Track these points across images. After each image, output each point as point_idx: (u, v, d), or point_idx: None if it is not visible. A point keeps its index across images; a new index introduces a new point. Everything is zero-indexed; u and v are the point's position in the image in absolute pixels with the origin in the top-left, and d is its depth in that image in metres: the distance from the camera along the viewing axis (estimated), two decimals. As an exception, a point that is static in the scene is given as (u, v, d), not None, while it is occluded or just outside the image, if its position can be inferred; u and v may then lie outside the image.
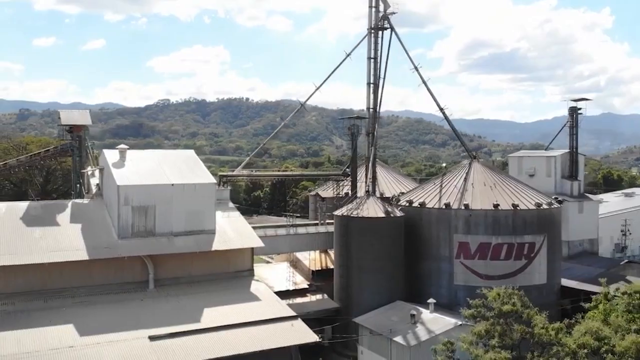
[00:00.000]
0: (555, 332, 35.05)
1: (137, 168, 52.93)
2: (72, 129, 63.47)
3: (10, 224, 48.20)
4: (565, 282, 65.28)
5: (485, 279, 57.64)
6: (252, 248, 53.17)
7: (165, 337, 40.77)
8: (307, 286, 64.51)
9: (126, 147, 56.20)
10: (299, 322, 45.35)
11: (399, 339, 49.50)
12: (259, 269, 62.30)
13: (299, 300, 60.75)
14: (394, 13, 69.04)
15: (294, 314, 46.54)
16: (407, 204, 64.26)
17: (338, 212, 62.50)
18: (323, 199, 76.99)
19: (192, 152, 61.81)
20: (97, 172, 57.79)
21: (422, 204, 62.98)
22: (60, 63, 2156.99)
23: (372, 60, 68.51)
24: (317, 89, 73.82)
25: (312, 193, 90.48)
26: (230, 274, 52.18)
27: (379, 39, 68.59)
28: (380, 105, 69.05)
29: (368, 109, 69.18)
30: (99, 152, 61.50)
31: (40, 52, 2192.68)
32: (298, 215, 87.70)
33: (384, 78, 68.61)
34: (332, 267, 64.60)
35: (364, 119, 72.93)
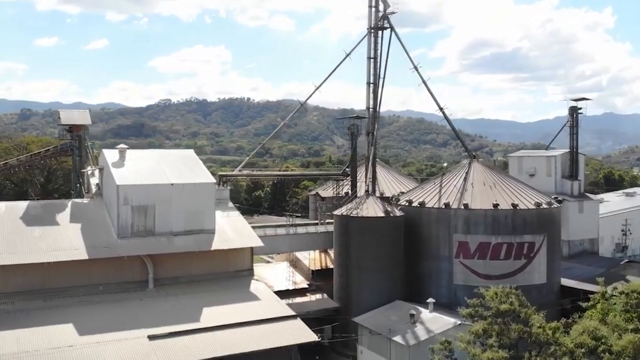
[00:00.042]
0: (552, 331, 35.04)
1: (136, 168, 53.03)
2: (72, 128, 63.61)
3: (10, 224, 48.34)
4: (565, 281, 65.26)
5: (484, 279, 57.61)
6: (252, 248, 53.24)
7: (165, 337, 40.82)
8: (306, 286, 64.54)
9: (126, 146, 56.29)
10: (299, 322, 45.37)
11: (398, 338, 49.53)
12: (259, 269, 62.38)
13: (298, 299, 60.79)
14: (394, 13, 69.17)
15: (293, 313, 46.57)
16: (407, 204, 64.30)
17: (338, 212, 62.56)
18: (323, 198, 77.11)
19: (191, 151, 61.91)
20: (96, 172, 57.92)
21: (422, 204, 63.01)
22: (62, 63, 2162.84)
23: (372, 60, 68.54)
24: (317, 88, 73.96)
25: (312, 193, 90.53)
26: (230, 273, 52.24)
27: (379, 39, 68.65)
28: (380, 105, 69.20)
29: (368, 108, 69.21)
30: (99, 152, 61.65)
31: (42, 52, 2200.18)
32: (299, 215, 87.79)
33: (384, 78, 68.80)
34: (331, 266, 64.65)
35: (363, 118, 72.97)
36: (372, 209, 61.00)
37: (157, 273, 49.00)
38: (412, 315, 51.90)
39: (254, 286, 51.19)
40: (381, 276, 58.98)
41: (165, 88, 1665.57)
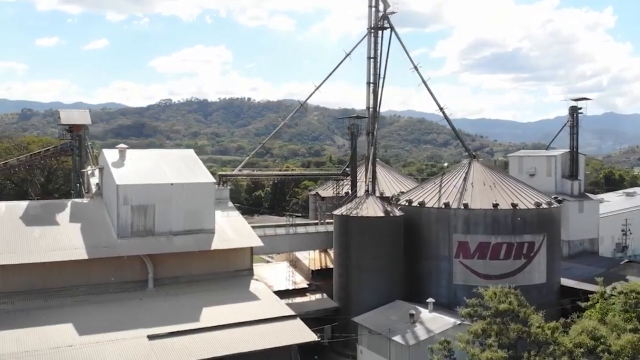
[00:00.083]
0: (551, 331, 35.04)
1: (136, 167, 53.03)
2: (72, 128, 63.68)
3: (10, 223, 48.33)
4: (565, 281, 65.27)
5: (484, 279, 57.61)
6: (252, 247, 53.22)
7: (164, 337, 40.76)
8: (306, 286, 64.54)
9: (125, 146, 56.30)
10: (298, 322, 45.36)
11: (398, 338, 49.53)
12: (259, 269, 62.40)
13: (298, 299, 60.81)
14: (394, 13, 69.21)
15: (293, 313, 46.54)
16: (407, 204, 64.31)
17: (337, 212, 62.59)
18: (323, 198, 77.14)
19: (191, 151, 61.90)
20: (96, 172, 57.94)
21: (422, 204, 63.02)
22: (62, 63, 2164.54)
23: (372, 60, 68.59)
24: (317, 88, 73.98)
25: (312, 193, 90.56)
26: (230, 273, 52.21)
27: (379, 39, 68.70)
28: (380, 105, 69.28)
29: (368, 108, 69.27)
30: (99, 152, 61.69)
31: (43, 52, 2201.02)
32: (299, 215, 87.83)
33: (384, 78, 68.87)
34: (331, 266, 64.66)
35: (364, 118, 72.99)
36: (372, 208, 61.02)
37: (156, 273, 48.99)
38: (411, 315, 51.91)
39: (254, 286, 51.18)
40: (381, 276, 58.99)
41: (166, 88, 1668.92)
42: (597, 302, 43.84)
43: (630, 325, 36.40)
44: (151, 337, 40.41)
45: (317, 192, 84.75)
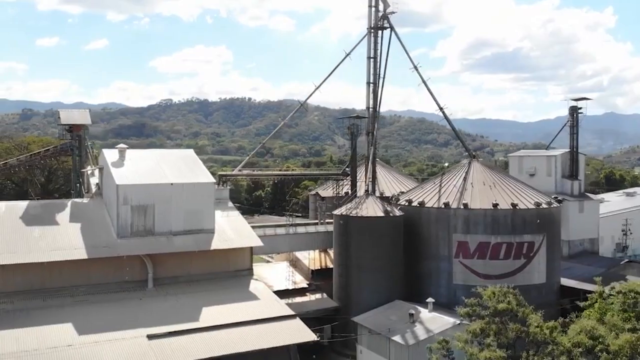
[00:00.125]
0: (549, 330, 35.06)
1: (136, 167, 53.06)
2: (72, 128, 63.73)
3: (10, 223, 48.36)
4: (565, 281, 65.26)
5: (484, 278, 57.61)
6: (251, 247, 53.25)
7: (164, 336, 40.83)
8: (306, 285, 64.56)
9: (125, 146, 56.33)
10: (298, 321, 45.39)
11: (397, 338, 49.56)
12: (259, 268, 62.43)
13: (298, 299, 60.85)
14: (394, 12, 69.27)
15: (292, 313, 46.59)
16: (407, 204, 64.33)
17: (337, 212, 62.61)
18: (323, 198, 77.15)
19: (191, 151, 61.93)
20: (96, 172, 57.98)
21: (422, 204, 63.04)
22: (63, 63, 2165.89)
23: (371, 60, 68.63)
24: (317, 88, 73.98)
25: (312, 193, 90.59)
26: (230, 273, 52.24)
27: (379, 39, 68.74)
28: (380, 105, 69.31)
29: (368, 108, 69.30)
30: (99, 152, 61.73)
31: (44, 52, 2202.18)
32: (299, 214, 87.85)
33: (384, 77, 68.92)
34: (331, 266, 64.70)
35: (363, 118, 73.02)
36: (372, 208, 61.05)
37: (156, 273, 49.02)
38: (411, 315, 51.94)
39: (254, 286, 51.22)
40: (381, 276, 59.01)
41: (166, 88, 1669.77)
42: (596, 301, 43.86)
43: (629, 325, 36.43)
44: (150, 337, 40.49)
45: (317, 192, 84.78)
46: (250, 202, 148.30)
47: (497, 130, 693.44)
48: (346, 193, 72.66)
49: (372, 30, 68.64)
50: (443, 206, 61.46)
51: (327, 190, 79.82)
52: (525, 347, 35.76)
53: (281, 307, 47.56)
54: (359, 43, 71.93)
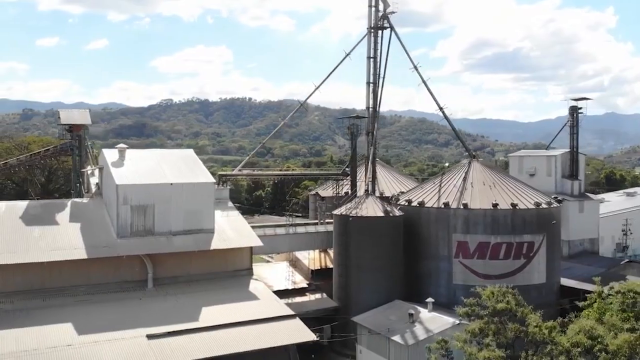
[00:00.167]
0: (548, 330, 35.07)
1: (136, 167, 53.08)
2: (72, 128, 63.78)
3: (10, 223, 48.38)
4: (565, 281, 65.26)
5: (484, 278, 57.60)
6: (251, 247, 53.25)
7: (163, 336, 40.78)
8: (306, 285, 64.56)
9: (125, 146, 56.35)
10: (297, 321, 45.39)
11: (397, 338, 49.57)
12: (259, 268, 62.43)
13: (298, 299, 60.85)
14: (394, 12, 69.23)
15: (292, 313, 46.58)
16: (406, 204, 64.34)
17: (337, 212, 62.63)
18: (323, 198, 77.16)
19: (191, 151, 61.92)
20: (96, 172, 58.01)
21: (421, 203, 63.05)
22: (63, 63, 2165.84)
23: (371, 60, 68.59)
24: (317, 88, 73.92)
25: (312, 192, 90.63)
26: (229, 273, 52.24)
27: (379, 39, 68.72)
28: (380, 105, 69.24)
29: (368, 108, 69.26)
30: (99, 152, 61.76)
31: (44, 52, 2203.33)
32: (299, 214, 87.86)
33: (384, 77, 68.85)
34: (331, 266, 64.72)
35: (363, 118, 73.01)
36: (372, 208, 61.06)
37: (156, 272, 49.02)
38: (411, 315, 51.95)
39: (253, 286, 51.23)
40: (380, 276, 59.02)
41: (167, 88, 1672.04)
42: (595, 301, 43.88)
43: (628, 325, 36.43)
44: (150, 337, 40.47)
45: (317, 192, 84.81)
46: (250, 202, 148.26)
47: (498, 130, 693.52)
48: (346, 193, 72.69)
49: (372, 30, 68.61)
50: (443, 206, 61.47)
51: (327, 190, 79.87)
52: (524, 347, 35.78)
53: (281, 307, 47.57)
54: (358, 43, 71.99)
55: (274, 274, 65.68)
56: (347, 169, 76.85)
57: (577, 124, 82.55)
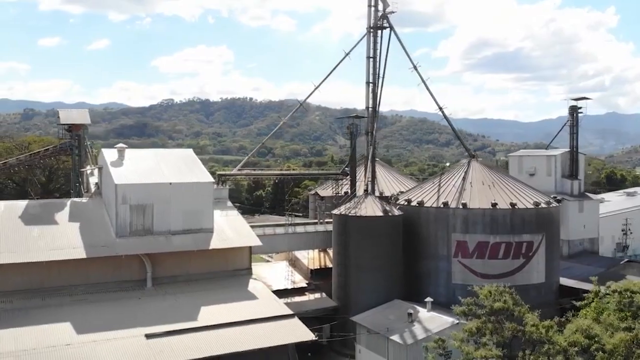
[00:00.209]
0: (545, 330, 35.06)
1: (135, 167, 53.18)
2: (72, 128, 63.92)
3: (9, 223, 48.50)
4: (565, 281, 65.29)
5: (483, 278, 57.58)
6: (250, 247, 53.34)
7: (162, 335, 40.85)
8: (305, 285, 64.64)
9: (125, 146, 56.47)
10: (296, 321, 45.44)
11: (396, 337, 49.64)
12: (258, 268, 62.48)
13: (297, 299, 60.91)
14: (393, 12, 69.31)
15: (291, 312, 46.64)
16: (406, 203, 64.39)
17: (336, 211, 62.68)
18: (322, 198, 77.22)
19: (190, 151, 62.00)
20: (96, 171, 58.10)
21: (421, 203, 63.10)
22: (64, 63, 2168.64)
23: (371, 60, 68.64)
24: (316, 88, 73.91)
25: (312, 192, 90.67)
26: (228, 272, 52.32)
27: (379, 38, 68.78)
28: (379, 105, 69.33)
29: (367, 108, 69.30)
30: (98, 151, 61.85)
31: (45, 52, 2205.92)
32: (299, 214, 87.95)
33: (384, 77, 68.99)
34: (330, 266, 64.79)
35: (363, 118, 73.04)
36: (371, 208, 61.11)
37: (155, 272, 49.12)
38: (410, 315, 52.01)
39: (252, 285, 51.30)
40: (380, 275, 59.07)
41: (168, 88, 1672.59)
42: (592, 301, 43.89)
43: (624, 324, 36.44)
44: (149, 336, 40.54)
45: (316, 192, 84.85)
46: (250, 202, 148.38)
47: (499, 130, 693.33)
48: (345, 193, 72.75)
49: (372, 30, 68.66)
50: (442, 206, 61.52)
51: (326, 190, 79.93)
52: (522, 346, 35.77)
53: (280, 306, 47.63)
54: (358, 42, 72.05)
55: (273, 274, 65.75)
56: (346, 168, 76.88)
57: (576, 123, 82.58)
